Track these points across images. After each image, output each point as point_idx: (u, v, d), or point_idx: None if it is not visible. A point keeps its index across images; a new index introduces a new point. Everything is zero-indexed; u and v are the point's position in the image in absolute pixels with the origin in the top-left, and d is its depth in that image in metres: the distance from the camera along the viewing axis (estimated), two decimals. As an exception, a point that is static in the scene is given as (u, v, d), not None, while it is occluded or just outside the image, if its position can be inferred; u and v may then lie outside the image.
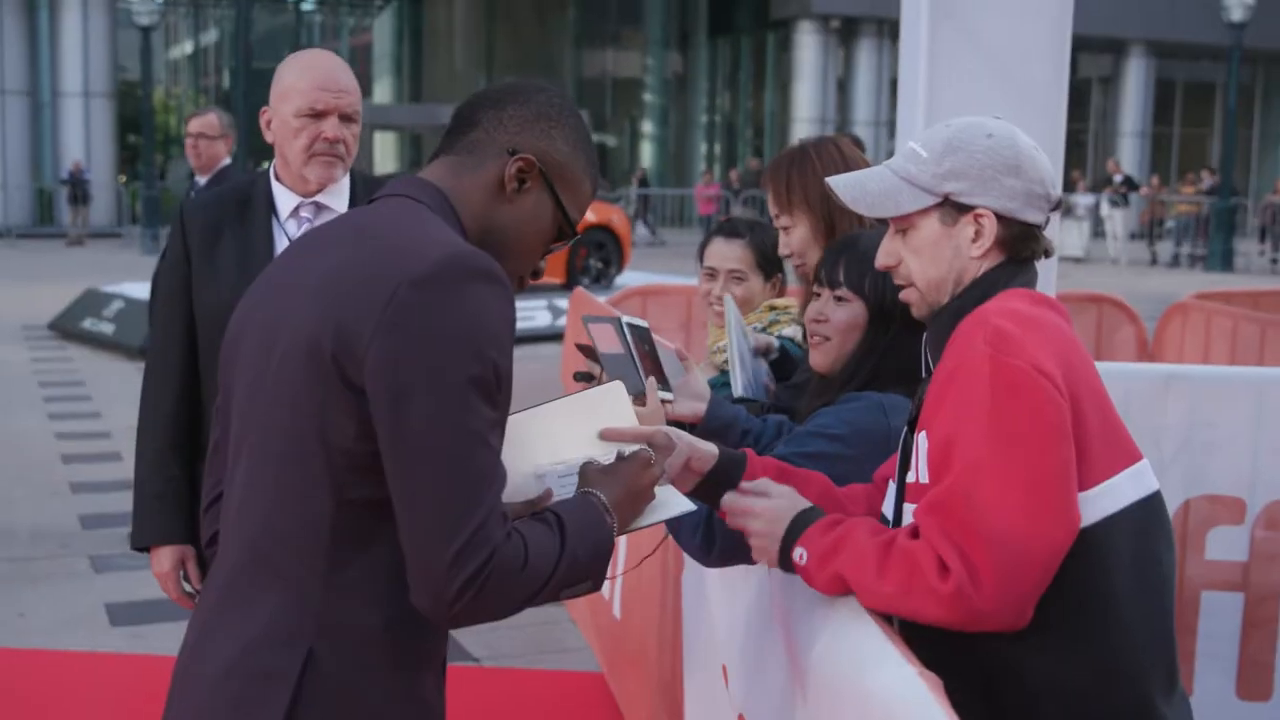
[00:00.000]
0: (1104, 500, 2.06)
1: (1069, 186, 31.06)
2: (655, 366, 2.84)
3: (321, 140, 3.07)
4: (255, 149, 25.52)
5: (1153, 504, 2.15)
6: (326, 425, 1.83)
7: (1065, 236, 28.51)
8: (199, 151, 6.59)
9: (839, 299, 2.63)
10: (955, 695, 2.16)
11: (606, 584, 4.89)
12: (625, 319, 2.81)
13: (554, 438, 2.18)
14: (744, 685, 2.54)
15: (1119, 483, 2.08)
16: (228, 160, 6.61)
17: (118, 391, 10.87)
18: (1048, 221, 2.22)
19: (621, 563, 4.60)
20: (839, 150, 3.19)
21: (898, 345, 2.56)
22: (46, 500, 7.79)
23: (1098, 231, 29.01)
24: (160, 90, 41.61)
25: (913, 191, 2.17)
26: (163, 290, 3.30)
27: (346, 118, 3.10)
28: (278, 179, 3.18)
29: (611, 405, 2.22)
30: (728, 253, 3.62)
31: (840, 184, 2.25)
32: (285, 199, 3.17)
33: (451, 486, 1.77)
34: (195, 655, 1.95)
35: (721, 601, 2.91)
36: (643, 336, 2.85)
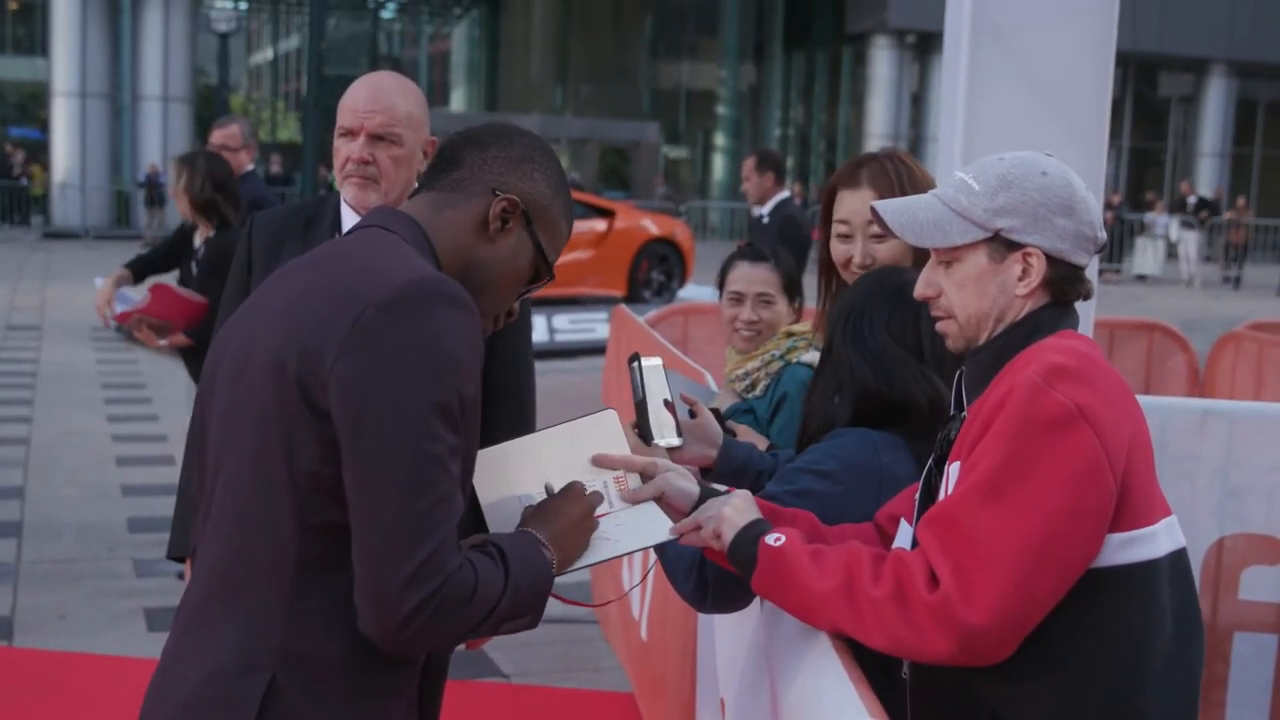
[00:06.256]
0: (1145, 545, 2.03)
1: (1145, 206, 30.60)
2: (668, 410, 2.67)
3: (350, 161, 3.00)
4: (328, 157, 25.65)
5: (1184, 558, 2.12)
6: (292, 448, 1.83)
7: (1140, 255, 28.12)
8: None
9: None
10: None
11: (635, 605, 4.87)
12: (641, 362, 2.65)
13: (544, 465, 2.15)
14: (736, 721, 2.48)
15: (1158, 531, 2.05)
16: (250, 167, 6.79)
17: (178, 395, 10.90)
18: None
19: (636, 574, 4.54)
20: (921, 169, 3.11)
21: (892, 384, 2.47)
22: (96, 501, 7.86)
23: (1172, 253, 28.55)
24: (240, 96, 42.15)
25: (963, 224, 2.12)
26: (224, 299, 3.28)
27: (378, 138, 2.98)
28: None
29: (604, 433, 2.19)
30: (755, 276, 3.56)
31: (888, 210, 2.20)
32: (350, 218, 3.11)
33: (407, 511, 1.76)
34: (163, 680, 1.95)
35: (726, 634, 2.86)
36: (655, 378, 2.63)
